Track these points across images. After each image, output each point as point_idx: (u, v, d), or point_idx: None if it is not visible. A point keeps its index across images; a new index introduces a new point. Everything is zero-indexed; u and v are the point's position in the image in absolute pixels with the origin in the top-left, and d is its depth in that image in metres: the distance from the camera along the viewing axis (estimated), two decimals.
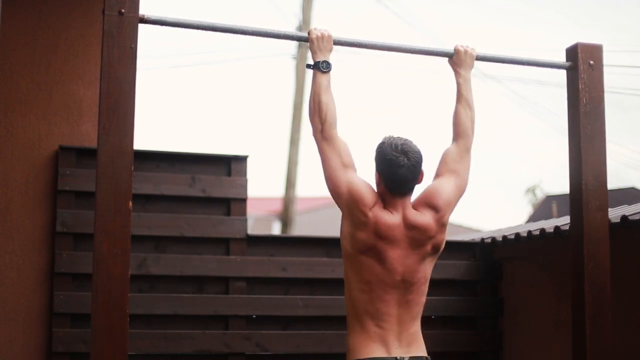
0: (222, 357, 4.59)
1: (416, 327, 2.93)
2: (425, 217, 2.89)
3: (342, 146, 2.93)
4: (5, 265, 4.40)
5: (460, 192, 3.03)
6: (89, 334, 2.80)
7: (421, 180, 2.94)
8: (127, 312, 2.68)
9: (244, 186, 4.75)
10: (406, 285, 2.88)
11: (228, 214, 4.72)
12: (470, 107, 3.16)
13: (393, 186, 2.87)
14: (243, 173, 4.76)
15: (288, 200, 14.03)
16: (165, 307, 4.53)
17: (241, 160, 4.78)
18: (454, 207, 3.00)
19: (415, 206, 2.92)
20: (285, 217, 14.12)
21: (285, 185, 14.00)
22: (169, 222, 4.61)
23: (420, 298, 2.93)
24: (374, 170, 2.94)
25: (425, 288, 2.95)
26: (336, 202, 2.93)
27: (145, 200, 4.60)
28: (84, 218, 4.40)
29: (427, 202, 2.93)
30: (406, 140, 2.91)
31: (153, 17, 2.87)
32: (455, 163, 3.05)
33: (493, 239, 5.10)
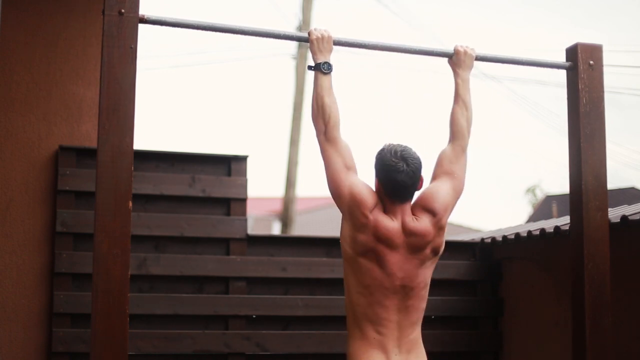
0: (222, 357, 4.59)
1: (416, 334, 2.93)
2: (423, 223, 2.90)
3: (344, 148, 2.93)
4: (5, 265, 4.40)
5: (457, 193, 3.03)
6: (89, 334, 2.81)
7: (420, 186, 2.94)
8: (127, 312, 2.68)
9: (244, 186, 4.75)
10: (406, 290, 2.88)
11: (228, 214, 4.72)
12: (467, 107, 3.15)
13: (392, 192, 2.88)
14: (243, 173, 4.76)
15: (288, 200, 14.03)
16: (165, 307, 4.53)
17: (241, 160, 4.78)
18: (452, 209, 3.00)
19: (413, 210, 2.92)
20: (285, 217, 14.12)
21: (285, 185, 14.00)
22: (169, 222, 4.61)
23: (420, 303, 2.93)
24: (374, 177, 2.94)
25: (425, 293, 2.95)
26: (337, 203, 2.93)
27: (145, 200, 4.60)
28: (84, 218, 4.40)
29: (424, 206, 2.93)
30: (406, 147, 2.91)
31: (153, 17, 2.87)
32: (451, 164, 3.05)
33: (493, 239, 5.10)
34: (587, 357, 3.18)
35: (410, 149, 2.91)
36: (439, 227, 2.93)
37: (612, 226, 3.69)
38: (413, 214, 2.91)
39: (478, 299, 5.10)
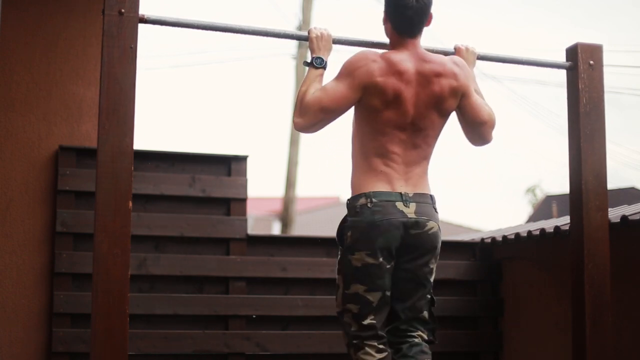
0: (222, 357, 4.59)
1: (422, 169, 2.99)
2: (436, 66, 2.95)
3: (330, 93, 2.92)
4: (5, 265, 4.40)
5: (472, 91, 3.04)
6: (89, 334, 2.81)
7: (430, 22, 3.01)
8: (127, 312, 2.69)
9: (244, 186, 4.75)
10: (415, 128, 2.94)
11: (228, 214, 4.72)
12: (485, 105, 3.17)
13: (401, 28, 2.96)
14: (243, 173, 4.76)
15: (288, 200, 14.03)
16: (165, 307, 4.53)
17: (241, 160, 4.78)
18: (462, 95, 3.01)
19: (433, 66, 2.96)
20: (285, 217, 14.12)
21: (285, 185, 14.01)
22: (169, 222, 4.61)
23: (428, 147, 3.00)
24: (383, 12, 3.02)
25: (433, 142, 3.01)
26: (357, 108, 2.98)
27: (145, 200, 4.60)
28: (84, 218, 4.40)
29: (448, 71, 2.97)
30: None
31: (153, 17, 2.87)
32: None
33: (493, 239, 5.10)
34: (587, 357, 3.18)
35: None
36: (452, 90, 2.96)
37: (612, 226, 3.69)
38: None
39: (478, 299, 5.10)
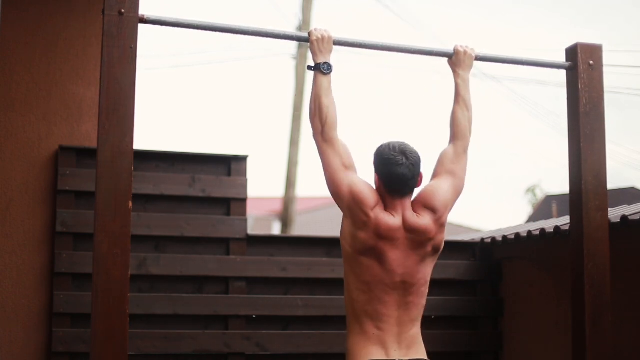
0: (222, 357, 4.59)
1: (416, 330, 2.93)
2: (424, 220, 2.91)
3: (342, 148, 2.94)
4: (5, 265, 4.40)
5: (457, 192, 3.04)
6: (89, 334, 2.81)
7: (420, 182, 2.96)
8: (127, 312, 2.68)
9: (244, 186, 4.75)
10: (406, 286, 2.89)
11: (228, 214, 4.72)
12: (467, 108, 3.16)
13: (392, 186, 2.89)
14: (243, 173, 4.76)
15: (288, 200, 14.02)
16: (165, 307, 4.53)
17: (241, 160, 4.78)
18: (452, 207, 3.01)
19: (414, 207, 2.93)
20: (285, 217, 14.12)
21: (285, 185, 14.00)
22: (169, 222, 4.61)
23: (420, 300, 2.94)
24: (373, 173, 2.95)
25: (425, 290, 2.96)
26: (337, 203, 2.94)
27: (145, 200, 4.60)
28: (84, 218, 4.40)
29: (425, 204, 2.94)
30: (404, 142, 2.94)
31: (153, 17, 2.87)
32: (452, 164, 3.06)
33: (493, 239, 5.10)
34: (587, 357, 3.18)
35: (409, 144, 2.94)
36: (440, 224, 2.94)
37: (612, 226, 3.69)
38: (414, 211, 2.92)
39: (478, 299, 5.10)
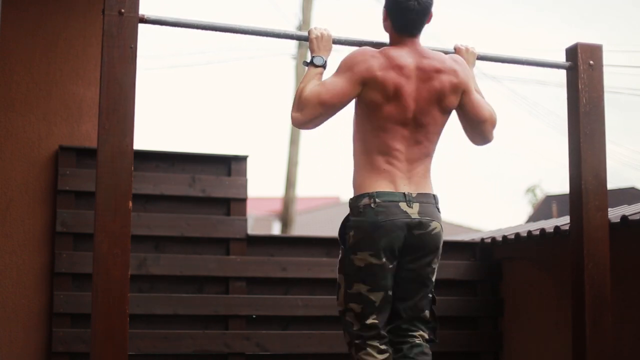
0: (222, 357, 4.59)
1: (425, 167, 2.98)
2: (436, 62, 2.96)
3: (329, 88, 2.93)
4: (5, 265, 4.40)
5: (473, 91, 3.04)
6: (89, 334, 2.81)
7: (430, 20, 3.02)
8: (127, 312, 2.69)
9: (244, 186, 4.75)
10: (417, 124, 2.93)
11: (228, 214, 4.72)
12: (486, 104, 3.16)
13: (402, 28, 2.97)
14: (243, 173, 4.76)
15: (288, 200, 14.03)
16: (165, 307, 4.53)
17: (241, 160, 4.78)
18: (461, 95, 3.01)
19: (432, 61, 2.97)
20: (285, 217, 14.12)
21: (285, 185, 14.00)
22: (169, 222, 4.61)
23: (431, 144, 2.99)
24: (382, 9, 3.02)
25: (435, 139, 3.00)
26: (358, 103, 2.98)
27: (145, 200, 4.60)
28: (84, 218, 4.40)
29: (445, 70, 2.97)
30: None
31: (153, 17, 2.87)
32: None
33: (493, 239, 5.10)
34: (587, 357, 3.18)
35: None
36: (452, 86, 2.96)
37: (612, 226, 3.69)
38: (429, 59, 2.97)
39: (478, 299, 5.10)
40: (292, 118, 2.98)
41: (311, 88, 2.93)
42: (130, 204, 2.73)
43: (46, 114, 4.59)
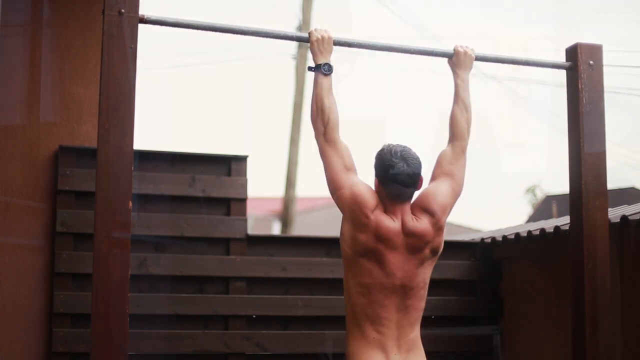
0: (222, 357, 4.59)
1: (415, 333, 2.94)
2: (422, 224, 2.92)
3: (344, 149, 2.95)
4: (5, 265, 4.40)
5: (455, 194, 3.04)
6: (89, 334, 2.81)
7: (420, 186, 2.96)
8: (127, 312, 2.68)
9: (244, 186, 4.75)
10: (405, 290, 2.90)
11: (228, 214, 4.72)
12: (467, 108, 3.16)
13: (392, 192, 2.90)
14: (243, 173, 4.76)
15: (288, 200, 14.02)
16: (165, 307, 4.53)
17: (241, 160, 4.78)
18: (450, 210, 3.02)
19: (412, 210, 2.94)
20: (285, 217, 14.11)
21: (285, 185, 13.99)
22: (169, 222, 4.61)
23: (420, 303, 2.95)
24: (374, 177, 2.96)
25: (424, 293, 2.97)
26: (338, 204, 2.94)
27: (145, 200, 4.59)
28: (84, 218, 4.40)
29: (423, 207, 2.95)
30: (405, 147, 2.94)
31: (153, 17, 2.87)
32: (450, 165, 3.06)
33: (493, 239, 5.10)
34: (587, 357, 3.18)
35: (410, 149, 2.93)
36: (438, 228, 2.94)
37: (612, 226, 3.69)
38: (412, 214, 2.92)
39: (478, 299, 5.10)
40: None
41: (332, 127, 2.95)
42: (130, 204, 2.73)
43: (46, 114, 4.59)
